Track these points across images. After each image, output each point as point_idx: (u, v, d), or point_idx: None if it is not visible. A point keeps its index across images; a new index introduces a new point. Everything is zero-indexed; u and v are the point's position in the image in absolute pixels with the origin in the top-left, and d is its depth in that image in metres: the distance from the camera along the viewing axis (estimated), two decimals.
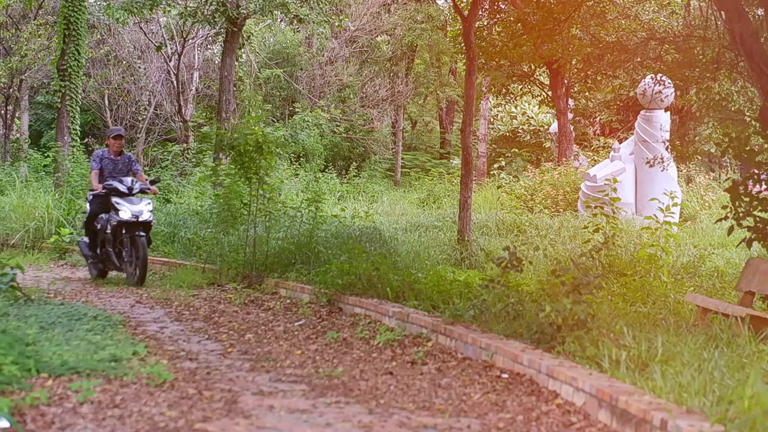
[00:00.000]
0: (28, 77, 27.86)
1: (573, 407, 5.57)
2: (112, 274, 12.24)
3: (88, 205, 11.84)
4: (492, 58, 19.03)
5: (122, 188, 11.30)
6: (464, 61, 12.50)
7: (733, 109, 13.32)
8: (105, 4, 20.07)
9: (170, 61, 28.78)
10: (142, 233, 11.06)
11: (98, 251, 11.63)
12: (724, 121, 11.76)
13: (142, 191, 11.55)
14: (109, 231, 11.25)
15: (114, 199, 11.22)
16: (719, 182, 23.44)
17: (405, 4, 35.67)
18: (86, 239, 11.82)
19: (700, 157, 25.47)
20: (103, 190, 11.32)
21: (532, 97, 31.55)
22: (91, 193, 11.68)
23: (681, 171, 22.78)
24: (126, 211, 11.08)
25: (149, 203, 11.31)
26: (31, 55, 26.09)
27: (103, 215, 11.48)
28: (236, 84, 27.12)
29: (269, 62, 33.86)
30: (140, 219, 11.08)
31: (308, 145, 29.94)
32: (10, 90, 27.96)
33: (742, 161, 9.02)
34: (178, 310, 9.53)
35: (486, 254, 11.50)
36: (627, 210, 16.78)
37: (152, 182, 11.83)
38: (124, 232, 11.14)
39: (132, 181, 11.51)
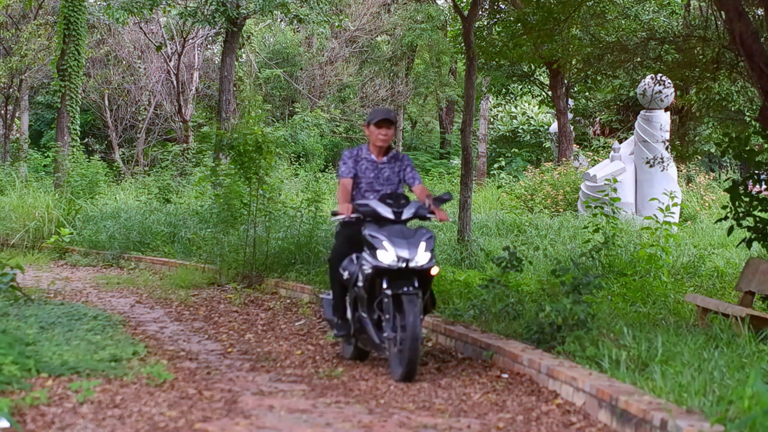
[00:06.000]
0: (28, 77, 27.86)
1: (573, 407, 5.57)
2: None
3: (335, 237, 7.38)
4: (492, 58, 19.00)
5: (385, 212, 6.70)
6: (464, 61, 12.50)
7: (733, 109, 13.32)
8: (105, 4, 20.06)
9: (170, 61, 28.78)
10: (415, 290, 6.40)
11: (348, 315, 6.96)
12: (724, 121, 11.76)
13: (419, 217, 6.89)
14: (361, 283, 6.64)
15: (369, 231, 6.59)
16: (719, 182, 23.45)
17: (405, 4, 35.68)
18: (330, 295, 7.27)
19: (700, 157, 25.48)
20: (354, 215, 6.80)
21: (532, 97, 31.56)
22: (337, 217, 6.93)
23: (681, 171, 22.78)
24: (388, 250, 6.42)
25: (430, 237, 6.60)
26: (31, 55, 26.08)
27: (353, 256, 6.89)
28: (236, 84, 27.12)
29: (269, 62, 33.87)
30: (411, 265, 6.41)
31: (308, 145, 29.94)
32: (10, 90, 27.96)
33: (742, 161, 9.02)
34: (178, 310, 9.54)
35: (486, 254, 11.50)
36: (627, 210, 16.78)
37: (438, 200, 6.94)
38: (384, 286, 6.48)
39: (403, 199, 6.88)
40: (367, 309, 6.64)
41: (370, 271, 6.51)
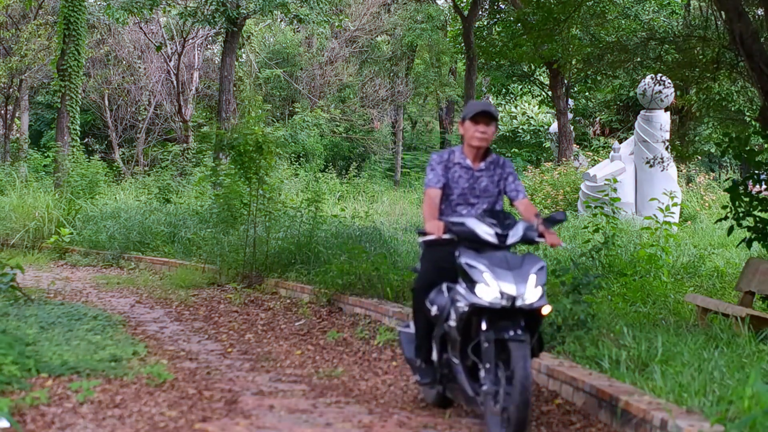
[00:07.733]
0: (28, 77, 27.87)
1: (573, 407, 5.57)
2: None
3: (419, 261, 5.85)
4: (492, 58, 19.04)
5: (486, 235, 5.24)
6: (464, 61, 12.51)
7: (733, 109, 13.32)
8: (105, 4, 20.06)
9: (170, 61, 28.79)
10: (524, 334, 4.98)
11: (433, 357, 5.59)
12: (724, 121, 11.76)
13: (526, 241, 5.39)
14: (453, 322, 5.22)
15: (465, 258, 5.18)
16: (719, 182, 23.46)
17: (405, 4, 35.70)
18: (412, 329, 5.89)
19: (699, 157, 25.52)
20: (446, 236, 5.34)
21: (532, 97, 31.59)
22: (425, 237, 5.45)
23: (681, 171, 22.79)
24: (489, 285, 5.01)
25: (541, 268, 5.15)
26: (31, 55, 26.10)
27: (443, 286, 5.51)
28: (236, 84, 27.14)
29: (269, 62, 33.87)
30: (518, 304, 4.97)
31: (308, 145, 29.96)
32: (10, 90, 27.98)
33: (742, 161, 9.01)
34: (178, 310, 9.54)
35: None
36: (627, 210, 16.79)
37: (549, 220, 5.46)
38: (484, 328, 5.05)
39: (507, 218, 5.39)
40: (460, 353, 5.21)
41: (465, 309, 5.07)
